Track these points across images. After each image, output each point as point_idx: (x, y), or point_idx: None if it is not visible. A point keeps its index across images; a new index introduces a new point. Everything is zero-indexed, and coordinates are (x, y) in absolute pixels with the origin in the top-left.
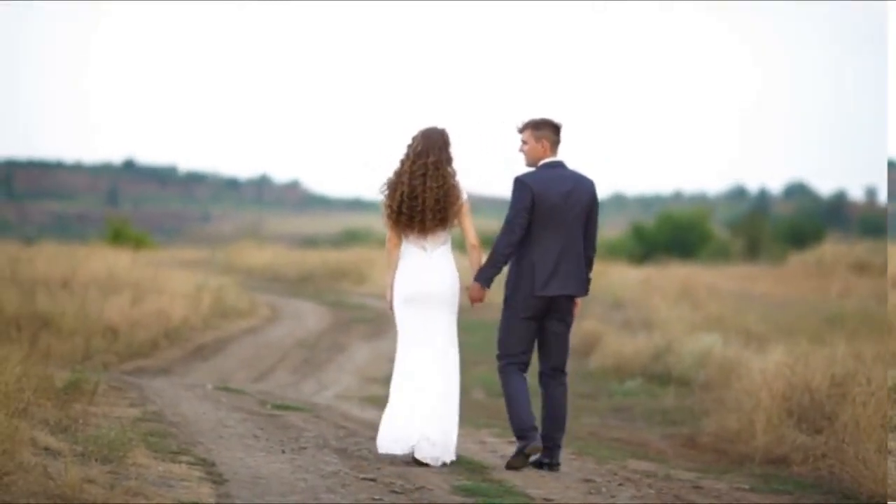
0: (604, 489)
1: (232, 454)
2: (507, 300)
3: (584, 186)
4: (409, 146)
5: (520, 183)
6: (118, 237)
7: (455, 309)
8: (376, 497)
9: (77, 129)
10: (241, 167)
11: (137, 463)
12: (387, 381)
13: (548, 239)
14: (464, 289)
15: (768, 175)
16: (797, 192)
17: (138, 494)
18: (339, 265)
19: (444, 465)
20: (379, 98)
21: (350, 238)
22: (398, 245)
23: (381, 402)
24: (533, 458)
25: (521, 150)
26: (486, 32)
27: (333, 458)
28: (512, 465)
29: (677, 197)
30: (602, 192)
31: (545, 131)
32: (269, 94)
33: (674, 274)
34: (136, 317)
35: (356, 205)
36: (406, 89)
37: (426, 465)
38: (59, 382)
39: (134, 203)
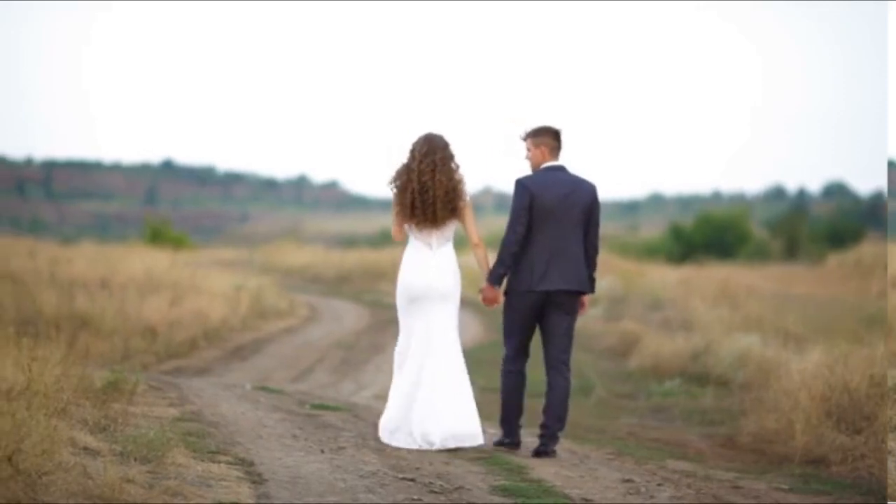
0: (643, 489)
1: (271, 454)
2: (507, 294)
3: (582, 190)
4: (413, 149)
5: (519, 185)
6: (157, 237)
7: (457, 304)
8: (415, 497)
9: (116, 129)
10: (279, 167)
11: (176, 463)
12: None
13: (545, 238)
14: (475, 287)
15: (807, 175)
16: (836, 192)
17: (177, 494)
18: (377, 265)
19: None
20: (418, 99)
21: (388, 238)
22: (402, 241)
23: None
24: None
25: (526, 157)
26: (524, 34)
27: (372, 457)
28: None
29: (716, 197)
30: (641, 193)
31: (544, 138)
32: (308, 94)
33: (712, 274)
34: (175, 317)
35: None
36: (443, 90)
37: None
38: (99, 382)
39: (172, 203)
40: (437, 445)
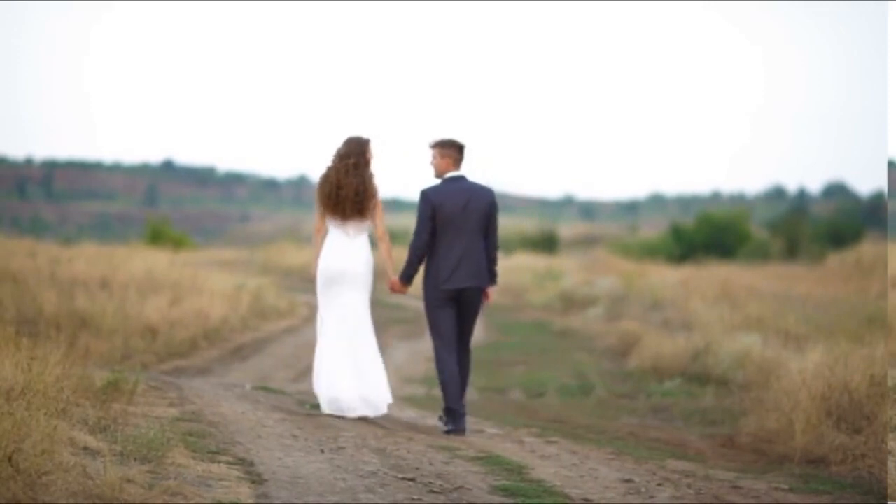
0: (643, 489)
1: (271, 454)
2: (424, 293)
3: (481, 197)
4: (337, 150)
5: (423, 196)
6: (157, 237)
7: (370, 287)
8: (415, 497)
9: (116, 129)
10: (279, 167)
11: (176, 463)
12: (424, 381)
13: (449, 242)
14: (380, 273)
15: (807, 175)
16: (836, 192)
17: (177, 494)
18: (377, 264)
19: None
20: (417, 100)
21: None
22: (323, 229)
23: (419, 401)
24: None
25: (431, 164)
26: (525, 35)
27: (372, 457)
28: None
29: (716, 197)
30: (641, 193)
31: (450, 150)
32: (307, 94)
33: (713, 274)
34: (175, 317)
35: (393, 205)
36: (443, 91)
37: (357, 418)
38: (99, 382)
39: (173, 203)
40: (348, 412)
